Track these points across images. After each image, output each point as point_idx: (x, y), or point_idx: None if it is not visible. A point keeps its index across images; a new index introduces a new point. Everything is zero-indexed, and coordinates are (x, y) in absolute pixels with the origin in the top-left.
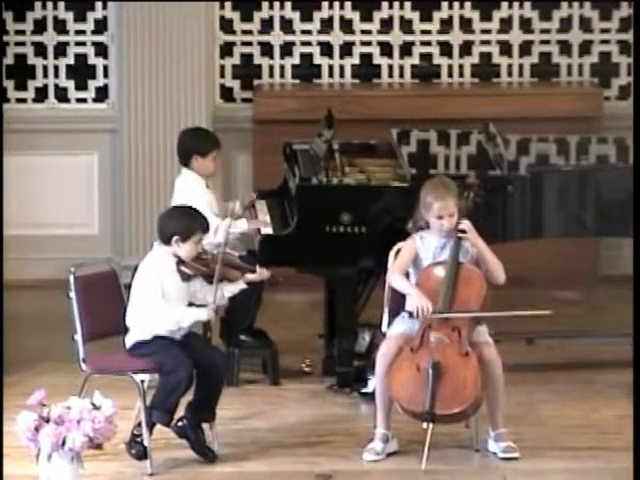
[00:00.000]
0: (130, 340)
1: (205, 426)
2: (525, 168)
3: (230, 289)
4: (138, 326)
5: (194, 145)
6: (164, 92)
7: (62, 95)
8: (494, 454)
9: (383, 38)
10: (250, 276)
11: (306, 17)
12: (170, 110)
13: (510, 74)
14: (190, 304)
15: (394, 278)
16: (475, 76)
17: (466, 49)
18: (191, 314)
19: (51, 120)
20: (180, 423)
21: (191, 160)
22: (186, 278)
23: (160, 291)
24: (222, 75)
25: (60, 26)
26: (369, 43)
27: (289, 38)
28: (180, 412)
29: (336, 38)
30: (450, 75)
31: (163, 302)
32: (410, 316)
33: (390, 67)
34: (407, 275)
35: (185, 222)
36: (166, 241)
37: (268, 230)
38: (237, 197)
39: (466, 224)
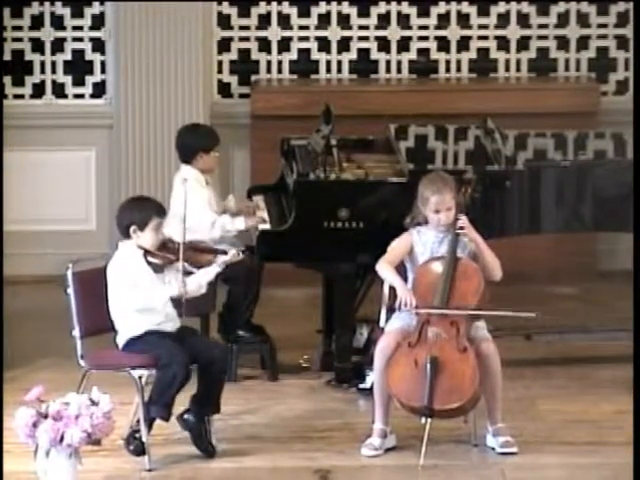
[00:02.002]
0: (122, 339)
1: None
2: (523, 163)
3: (206, 275)
4: (125, 326)
5: (198, 142)
6: (161, 88)
7: (59, 91)
8: (492, 449)
9: (380, 33)
10: (222, 259)
11: (303, 13)
12: (167, 106)
13: (508, 69)
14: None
15: (381, 267)
16: (473, 71)
17: (464, 44)
18: (162, 293)
19: (48, 116)
20: (186, 416)
21: (195, 157)
22: (158, 269)
23: (132, 290)
24: (220, 71)
25: (57, 22)
26: (366, 38)
27: (286, 34)
28: (185, 404)
29: (333, 33)
30: (448, 70)
31: (137, 312)
32: (398, 309)
33: (388, 62)
34: (404, 269)
35: (138, 210)
36: (126, 234)
37: (266, 226)
38: (234, 193)
39: (464, 220)
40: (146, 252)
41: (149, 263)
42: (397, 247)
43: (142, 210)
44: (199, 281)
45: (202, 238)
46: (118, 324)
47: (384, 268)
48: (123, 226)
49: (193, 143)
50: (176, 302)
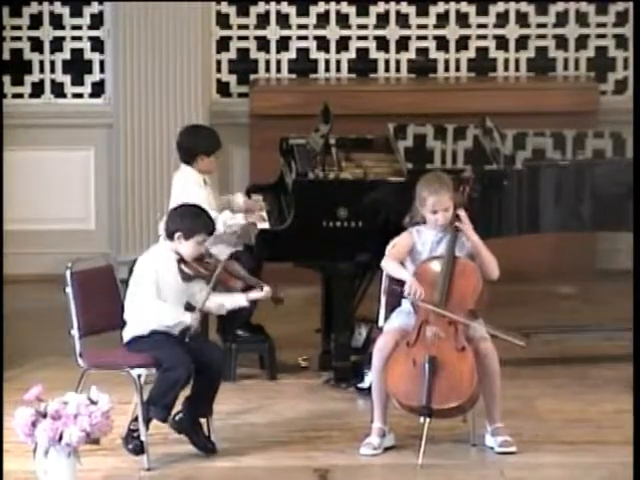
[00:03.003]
0: (128, 334)
1: (202, 421)
2: (521, 162)
3: (231, 302)
4: (135, 320)
5: (200, 145)
6: (160, 87)
7: (58, 90)
8: (491, 448)
9: (379, 33)
10: (253, 295)
11: (302, 12)
12: (166, 105)
13: (506, 68)
14: (188, 305)
15: (388, 264)
16: (471, 71)
17: (462, 44)
18: (176, 316)
19: (47, 115)
20: (177, 418)
21: (196, 159)
22: (186, 278)
23: (155, 287)
24: (219, 70)
25: (56, 21)
26: (365, 38)
27: (285, 33)
28: (177, 407)
29: (332, 33)
30: (446, 70)
31: (154, 299)
32: (402, 295)
33: (386, 62)
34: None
35: (191, 220)
36: (170, 236)
37: (265, 225)
38: (233, 192)
39: (463, 216)
40: (181, 259)
41: (180, 269)
42: (400, 245)
43: (194, 222)
44: (224, 304)
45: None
46: (128, 317)
47: (391, 264)
48: (170, 229)
49: (195, 145)
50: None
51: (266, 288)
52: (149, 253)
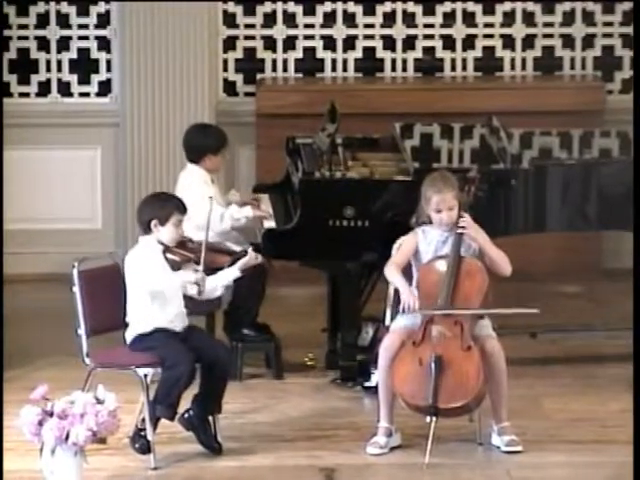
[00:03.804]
0: (130, 334)
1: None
2: (528, 162)
3: (225, 278)
4: (137, 320)
5: (207, 143)
6: (167, 86)
7: (65, 89)
8: (497, 448)
9: (386, 32)
10: (242, 262)
11: (309, 11)
12: (173, 104)
13: (513, 68)
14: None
15: (389, 271)
16: (478, 70)
17: (469, 43)
18: (176, 278)
19: (54, 114)
20: (187, 415)
21: (203, 158)
22: (175, 266)
23: (149, 287)
24: (225, 69)
25: (63, 20)
26: (372, 37)
27: (292, 32)
28: (187, 404)
29: (339, 32)
30: (453, 69)
31: (150, 300)
32: (402, 312)
33: (393, 61)
34: (409, 269)
35: (160, 205)
36: (146, 228)
37: (271, 224)
38: (239, 191)
39: (466, 221)
40: (165, 248)
41: (167, 259)
42: (403, 249)
43: (164, 206)
44: (216, 283)
45: (213, 232)
46: (130, 317)
47: (391, 271)
48: (144, 220)
49: (202, 144)
50: (187, 299)
51: (251, 252)
52: (133, 252)
